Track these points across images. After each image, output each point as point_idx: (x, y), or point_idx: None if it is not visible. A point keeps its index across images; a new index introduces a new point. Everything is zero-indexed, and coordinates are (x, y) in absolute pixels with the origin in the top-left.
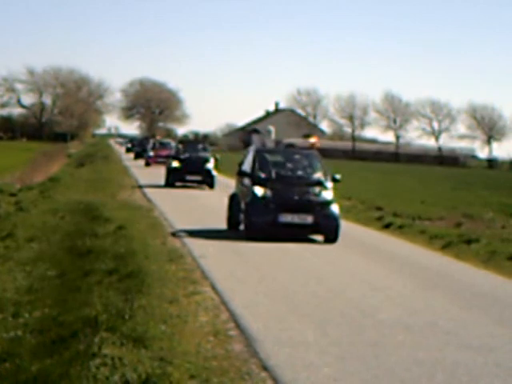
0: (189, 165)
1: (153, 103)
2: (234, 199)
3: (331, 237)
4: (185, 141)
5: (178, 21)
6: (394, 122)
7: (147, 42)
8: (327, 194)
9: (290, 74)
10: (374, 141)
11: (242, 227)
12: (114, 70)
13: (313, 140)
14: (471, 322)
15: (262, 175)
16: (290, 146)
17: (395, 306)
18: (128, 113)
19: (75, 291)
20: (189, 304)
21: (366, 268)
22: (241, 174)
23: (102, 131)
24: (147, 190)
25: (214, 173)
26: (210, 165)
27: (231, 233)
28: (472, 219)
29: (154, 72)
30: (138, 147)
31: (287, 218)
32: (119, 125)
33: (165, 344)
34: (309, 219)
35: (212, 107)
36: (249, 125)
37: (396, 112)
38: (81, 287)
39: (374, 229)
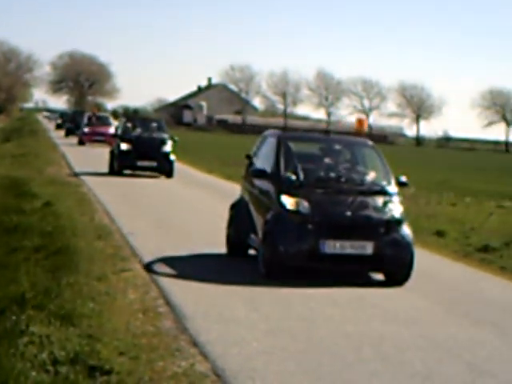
0: (141, 147)
1: (82, 77)
2: (240, 210)
3: (401, 275)
4: (134, 117)
5: None
6: (326, 99)
7: (78, 15)
8: (395, 208)
9: (224, 50)
10: (306, 118)
11: (252, 252)
12: (44, 42)
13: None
14: (395, 295)
15: (293, 177)
16: (326, 132)
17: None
18: (56, 86)
19: (1, 268)
20: (117, 281)
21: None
22: (255, 175)
23: (30, 105)
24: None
25: (173, 157)
26: (168, 147)
27: (235, 261)
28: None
29: (85, 45)
30: (69, 123)
31: (335, 246)
32: (47, 99)
33: (93, 321)
34: (368, 248)
35: (143, 81)
36: (180, 100)
37: (328, 89)
38: (7, 264)
39: None
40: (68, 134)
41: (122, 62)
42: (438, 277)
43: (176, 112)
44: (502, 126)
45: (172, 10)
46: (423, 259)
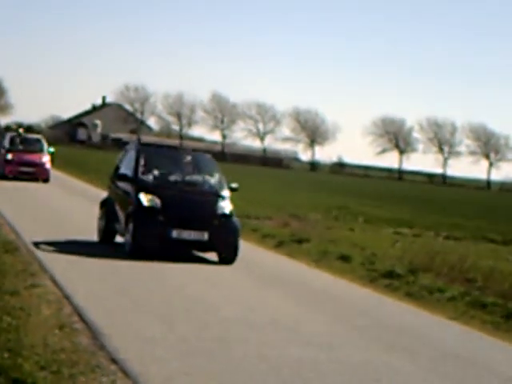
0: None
1: None
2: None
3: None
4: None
5: (3, 7)
6: (222, 121)
7: None
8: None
9: (119, 69)
10: (201, 139)
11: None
12: None
13: None
14: (309, 319)
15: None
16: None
17: (235, 303)
18: None
19: None
20: (30, 296)
21: (207, 269)
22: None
23: None
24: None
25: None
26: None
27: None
28: (299, 219)
29: None
30: None
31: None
32: None
33: (11, 336)
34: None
35: (37, 98)
36: (75, 118)
37: (223, 112)
38: None
39: None
40: None
41: (16, 78)
42: (348, 302)
43: (70, 129)
44: (395, 154)
45: (69, 27)
46: (331, 283)
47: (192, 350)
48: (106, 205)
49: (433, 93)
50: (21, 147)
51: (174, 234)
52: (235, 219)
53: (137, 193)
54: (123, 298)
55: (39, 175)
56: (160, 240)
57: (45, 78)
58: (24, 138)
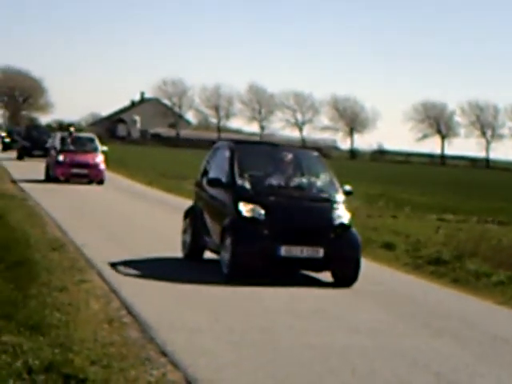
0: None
1: (16, 92)
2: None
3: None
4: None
5: (39, 8)
6: (259, 113)
7: (10, 30)
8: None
9: (156, 64)
10: (239, 131)
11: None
12: None
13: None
14: (355, 307)
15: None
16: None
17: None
18: None
19: None
20: (78, 292)
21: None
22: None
23: None
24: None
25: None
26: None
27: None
28: None
29: (18, 60)
30: (26, 141)
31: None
32: None
33: (61, 331)
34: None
35: (76, 96)
36: (114, 114)
37: (261, 103)
38: None
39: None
40: (21, 156)
41: (56, 77)
42: (393, 289)
43: (110, 126)
44: (437, 139)
45: (105, 25)
46: (376, 272)
47: None
48: (191, 215)
49: (474, 75)
50: (72, 147)
51: (283, 251)
52: (354, 230)
53: (235, 201)
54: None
55: (93, 177)
56: (265, 259)
57: (83, 76)
58: (76, 138)
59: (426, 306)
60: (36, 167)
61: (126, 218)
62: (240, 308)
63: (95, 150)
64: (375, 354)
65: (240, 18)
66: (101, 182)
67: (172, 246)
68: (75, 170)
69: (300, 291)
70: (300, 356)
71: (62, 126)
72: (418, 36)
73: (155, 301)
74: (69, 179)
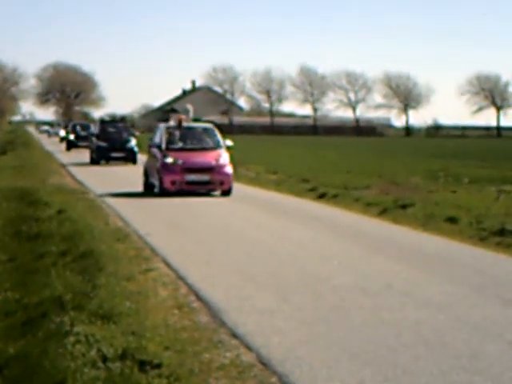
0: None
1: (68, 87)
2: (147, 167)
3: (226, 191)
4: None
5: (88, 3)
6: (311, 95)
7: (60, 26)
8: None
9: (206, 52)
10: (291, 115)
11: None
12: (28, 55)
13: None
14: (424, 281)
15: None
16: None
17: (348, 272)
18: (43, 98)
19: (32, 273)
20: (146, 280)
21: (312, 237)
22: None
23: (17, 118)
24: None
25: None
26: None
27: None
28: (398, 186)
29: (69, 55)
30: (101, 141)
31: (192, 177)
32: (34, 111)
33: (132, 319)
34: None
35: (127, 88)
36: (166, 105)
37: (312, 85)
38: (37, 269)
39: (308, 199)
40: (97, 160)
41: (106, 70)
42: (461, 262)
43: (162, 116)
44: (492, 111)
45: (152, 15)
46: (442, 245)
47: None
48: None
49: None
50: (183, 144)
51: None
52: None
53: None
54: None
55: (217, 185)
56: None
57: (134, 68)
58: (187, 130)
59: (494, 277)
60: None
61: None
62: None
63: (217, 145)
64: (446, 326)
65: (287, 1)
66: (228, 192)
67: None
68: (192, 177)
69: None
70: None
71: (115, 119)
72: (466, 8)
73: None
74: (183, 190)
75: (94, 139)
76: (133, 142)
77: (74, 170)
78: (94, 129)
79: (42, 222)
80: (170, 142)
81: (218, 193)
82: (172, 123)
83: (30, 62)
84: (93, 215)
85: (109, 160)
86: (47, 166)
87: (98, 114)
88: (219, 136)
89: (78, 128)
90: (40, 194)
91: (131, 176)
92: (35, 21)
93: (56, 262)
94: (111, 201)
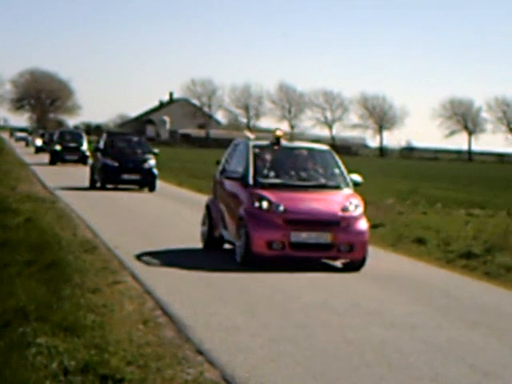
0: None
1: (43, 94)
2: (212, 209)
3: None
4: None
5: (67, 10)
6: (289, 112)
7: (38, 32)
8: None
9: (185, 64)
10: (269, 130)
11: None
12: (4, 60)
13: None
14: (391, 302)
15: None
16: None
17: (317, 289)
18: (18, 104)
19: None
20: (112, 293)
21: None
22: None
23: None
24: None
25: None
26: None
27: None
28: (371, 205)
29: (45, 62)
30: (98, 154)
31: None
32: (8, 117)
33: (96, 333)
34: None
35: (104, 98)
36: (143, 115)
37: (290, 102)
38: (1, 278)
39: None
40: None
41: (83, 78)
42: (427, 284)
43: (139, 127)
44: (464, 135)
45: (131, 26)
46: (409, 266)
47: None
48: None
49: (500, 71)
50: (283, 177)
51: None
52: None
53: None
54: None
55: (344, 252)
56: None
57: (111, 78)
58: (288, 151)
59: (459, 298)
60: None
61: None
62: None
63: (342, 183)
64: (410, 348)
65: (268, 19)
66: (361, 264)
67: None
68: (302, 236)
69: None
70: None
71: (90, 129)
72: (443, 33)
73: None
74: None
75: (98, 155)
76: (152, 162)
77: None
78: (99, 142)
79: (10, 229)
80: (260, 172)
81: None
82: (258, 140)
83: (6, 67)
84: (61, 225)
85: (118, 184)
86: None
87: (72, 122)
88: (342, 166)
89: (67, 137)
90: (8, 201)
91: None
92: (12, 25)
93: (21, 271)
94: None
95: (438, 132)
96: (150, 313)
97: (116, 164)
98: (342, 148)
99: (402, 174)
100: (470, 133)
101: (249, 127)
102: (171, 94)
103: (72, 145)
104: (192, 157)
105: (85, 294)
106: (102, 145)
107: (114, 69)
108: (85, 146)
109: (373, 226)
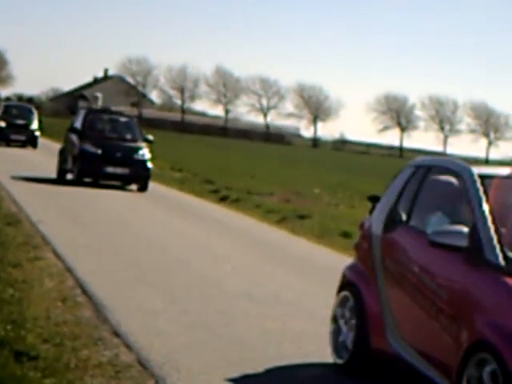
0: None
1: None
2: (62, 153)
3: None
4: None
5: None
6: (225, 96)
7: None
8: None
9: (121, 42)
10: (203, 114)
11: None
12: None
13: None
14: (312, 293)
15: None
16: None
17: (239, 277)
18: None
19: None
20: (33, 269)
21: (207, 240)
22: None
23: None
24: None
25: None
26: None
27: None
28: (300, 195)
29: None
30: (73, 137)
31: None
32: None
33: (14, 308)
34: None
35: (38, 70)
36: (76, 90)
37: (226, 86)
38: None
39: (210, 201)
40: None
41: (18, 49)
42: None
43: (71, 102)
44: (397, 131)
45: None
46: (333, 259)
47: None
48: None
49: (435, 70)
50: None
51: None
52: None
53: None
54: None
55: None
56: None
57: (46, 50)
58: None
59: None
60: None
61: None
62: None
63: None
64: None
65: (210, 1)
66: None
67: None
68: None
69: None
70: None
71: (22, 101)
72: (381, 29)
73: None
74: None
75: (74, 138)
76: (145, 152)
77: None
78: (76, 121)
79: None
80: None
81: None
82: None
83: None
84: None
85: (101, 178)
86: None
87: (4, 92)
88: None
89: (14, 112)
90: None
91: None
92: None
93: None
94: None
95: (372, 126)
96: (70, 291)
97: (99, 152)
98: (276, 136)
99: (334, 167)
100: (403, 129)
101: (183, 109)
102: (106, 71)
103: (19, 122)
104: None
105: (5, 268)
106: (79, 124)
107: (49, 41)
108: (35, 125)
109: (300, 216)
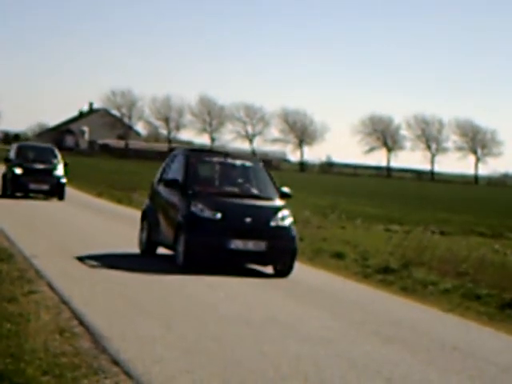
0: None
1: None
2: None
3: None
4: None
5: None
6: (210, 124)
7: None
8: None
9: (105, 75)
10: (189, 143)
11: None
12: None
13: None
14: (307, 316)
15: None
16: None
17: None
18: None
19: None
20: (28, 303)
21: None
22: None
23: None
24: None
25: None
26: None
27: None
28: None
29: None
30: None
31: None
32: None
33: (12, 342)
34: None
35: (23, 106)
36: (62, 125)
37: (211, 115)
38: None
39: None
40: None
41: (2, 86)
42: (344, 298)
43: (57, 137)
44: (383, 152)
45: (53, 33)
46: (327, 280)
47: None
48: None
49: (420, 90)
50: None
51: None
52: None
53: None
54: None
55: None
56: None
57: (31, 87)
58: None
59: (375, 313)
60: None
61: (74, 226)
62: None
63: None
64: (326, 362)
65: (189, 30)
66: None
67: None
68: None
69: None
70: None
71: (9, 138)
72: (363, 50)
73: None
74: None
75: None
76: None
77: None
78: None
79: None
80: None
81: None
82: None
83: None
84: None
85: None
86: None
87: None
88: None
89: (31, 154)
90: None
91: None
92: None
93: None
94: None
95: (358, 148)
96: (66, 322)
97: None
98: (263, 162)
99: (322, 189)
100: (389, 149)
101: (169, 139)
102: (91, 104)
103: (40, 166)
104: (111, 167)
105: (0, 303)
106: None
107: (34, 77)
108: (60, 170)
109: None
